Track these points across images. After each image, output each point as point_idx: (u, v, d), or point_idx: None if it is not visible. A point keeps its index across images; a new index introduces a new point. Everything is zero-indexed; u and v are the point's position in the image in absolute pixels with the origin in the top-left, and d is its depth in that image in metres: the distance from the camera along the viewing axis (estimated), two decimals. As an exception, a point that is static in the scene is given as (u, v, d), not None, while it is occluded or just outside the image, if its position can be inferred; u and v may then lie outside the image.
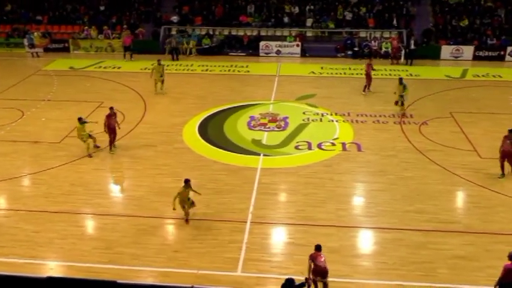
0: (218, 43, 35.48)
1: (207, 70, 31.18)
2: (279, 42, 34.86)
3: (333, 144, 20.25)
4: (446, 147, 19.84)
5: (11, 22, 37.17)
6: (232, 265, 13.12)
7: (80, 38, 35.78)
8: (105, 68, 31.49)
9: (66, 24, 37.06)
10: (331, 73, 30.61)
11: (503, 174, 17.40)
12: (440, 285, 12.46)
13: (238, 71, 31.00)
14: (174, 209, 14.69)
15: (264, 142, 20.58)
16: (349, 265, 13.14)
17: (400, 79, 23.09)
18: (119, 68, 31.50)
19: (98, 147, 19.57)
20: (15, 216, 15.40)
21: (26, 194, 16.92)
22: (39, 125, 22.25)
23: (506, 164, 17.30)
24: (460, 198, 16.91)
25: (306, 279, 11.43)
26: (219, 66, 31.91)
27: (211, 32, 36.09)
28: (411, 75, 29.97)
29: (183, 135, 21.16)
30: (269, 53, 34.80)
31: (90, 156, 19.06)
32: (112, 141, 19.52)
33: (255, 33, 36.28)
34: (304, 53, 34.66)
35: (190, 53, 34.57)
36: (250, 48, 35.25)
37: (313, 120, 22.76)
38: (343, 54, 34.56)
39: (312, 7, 36.93)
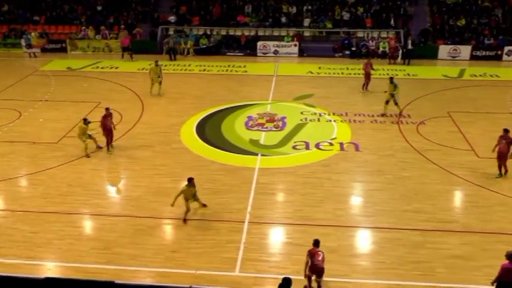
0: (216, 43, 35.48)
1: (204, 70, 31.17)
2: (276, 42, 34.89)
3: (331, 144, 20.26)
4: (444, 146, 19.87)
5: (8, 22, 37.10)
6: (230, 265, 13.11)
7: (78, 38, 35.73)
8: (102, 68, 31.46)
9: (63, 24, 37.00)
10: (329, 73, 30.63)
11: (500, 174, 17.43)
12: (438, 284, 12.47)
13: (236, 71, 31.00)
14: (172, 205, 14.70)
15: (261, 142, 20.57)
16: (347, 265, 13.15)
17: (391, 78, 23.10)
18: (116, 68, 31.47)
19: (100, 147, 19.54)
20: (13, 216, 15.37)
21: (23, 195, 16.89)
22: (37, 125, 22.21)
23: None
24: (457, 198, 16.93)
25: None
26: (216, 66, 31.91)
27: (208, 32, 36.09)
28: (409, 75, 30.03)
29: (181, 135, 21.15)
30: (267, 53, 34.82)
31: (88, 156, 19.03)
32: (109, 142, 19.50)
33: (252, 33, 36.28)
34: (301, 53, 34.70)
35: (188, 53, 34.57)
36: (248, 48, 35.25)
37: (311, 120, 22.77)
38: (340, 54, 34.60)
39: (309, 7, 36.93)
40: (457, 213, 15.78)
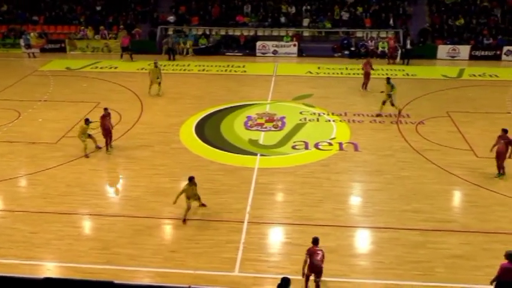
0: (215, 43, 35.47)
1: (203, 70, 31.17)
2: (275, 42, 34.89)
3: (330, 144, 20.27)
4: (443, 146, 19.88)
5: (7, 22, 37.08)
6: (230, 265, 13.11)
7: (77, 38, 35.72)
8: (101, 68, 31.44)
9: (62, 24, 36.99)
10: (328, 73, 30.63)
11: (499, 174, 17.43)
12: (438, 284, 12.48)
13: (235, 71, 31.00)
14: (174, 202, 14.75)
15: (261, 142, 20.58)
16: (346, 265, 13.15)
17: (388, 79, 23.04)
18: (115, 68, 31.46)
19: (100, 147, 19.54)
20: (12, 217, 15.36)
21: (22, 195, 16.89)
22: (36, 125, 22.20)
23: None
24: (456, 198, 16.94)
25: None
26: (215, 66, 31.91)
27: (207, 32, 36.08)
28: (408, 74, 30.05)
29: (180, 135, 21.14)
30: (266, 53, 34.82)
31: (87, 156, 19.03)
32: (108, 142, 19.49)
33: (251, 33, 36.29)
34: (301, 53, 34.70)
35: (187, 53, 34.56)
36: (247, 48, 35.25)
37: (310, 120, 22.77)
38: (340, 54, 34.60)
39: (308, 7, 36.93)
40: (456, 213, 15.79)
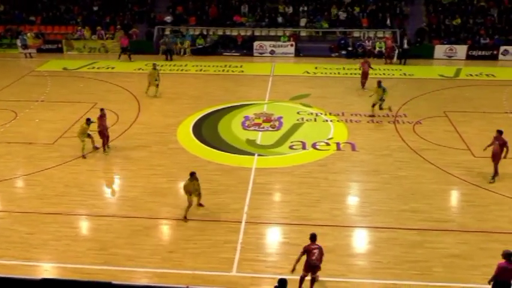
0: (212, 43, 35.46)
1: (201, 70, 31.15)
2: (273, 42, 34.89)
3: (328, 144, 20.28)
4: (441, 146, 19.91)
5: (4, 23, 36.97)
6: (227, 265, 13.11)
7: (74, 38, 35.67)
8: (98, 68, 31.40)
9: (59, 24, 36.93)
10: (325, 73, 30.65)
11: (497, 174, 17.41)
12: (436, 283, 12.50)
13: (233, 71, 30.99)
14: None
15: (258, 142, 20.57)
16: (344, 264, 13.16)
17: (379, 82, 22.88)
18: (112, 68, 31.42)
19: (97, 148, 19.51)
20: (10, 217, 15.32)
21: (20, 196, 16.85)
22: (33, 126, 22.15)
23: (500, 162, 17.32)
24: (454, 197, 16.96)
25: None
26: (213, 66, 31.90)
27: (205, 32, 36.07)
28: (405, 74, 30.09)
29: (178, 135, 21.13)
30: (263, 53, 34.81)
31: (84, 157, 19.00)
32: (105, 143, 19.47)
33: (249, 33, 36.30)
34: (298, 53, 34.72)
35: (185, 53, 34.53)
36: (244, 48, 35.25)
37: (307, 120, 22.78)
38: (337, 54, 34.63)
39: (305, 8, 36.91)
40: (454, 213, 15.81)
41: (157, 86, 25.67)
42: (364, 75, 26.77)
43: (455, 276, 12.72)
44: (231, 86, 27.85)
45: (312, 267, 11.80)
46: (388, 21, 35.56)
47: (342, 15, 36.41)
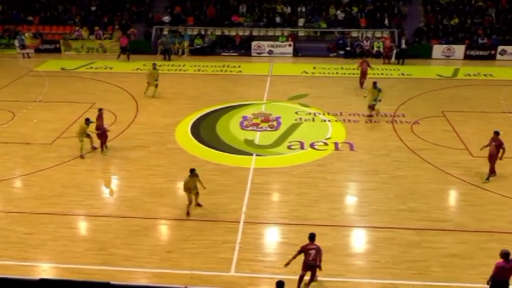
0: (210, 43, 35.44)
1: (199, 70, 31.14)
2: (271, 42, 34.88)
3: (326, 144, 20.28)
4: (439, 146, 19.92)
5: (2, 23, 36.88)
6: (226, 265, 13.11)
7: (71, 38, 35.60)
8: (96, 68, 31.36)
9: (57, 24, 36.85)
10: (324, 73, 30.66)
11: (494, 174, 17.41)
12: (434, 283, 12.51)
13: (231, 71, 30.98)
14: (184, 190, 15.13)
15: (256, 142, 20.57)
16: (342, 264, 13.17)
17: (374, 83, 22.81)
18: (110, 68, 31.38)
19: (95, 148, 19.50)
20: (7, 218, 15.30)
21: (17, 196, 16.83)
22: (31, 126, 22.12)
23: (497, 163, 17.33)
24: (452, 197, 16.99)
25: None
26: (211, 66, 31.88)
27: (203, 32, 36.05)
28: (403, 74, 30.12)
29: (176, 135, 21.12)
30: (261, 53, 34.81)
31: (82, 157, 18.98)
32: (103, 143, 19.45)
33: (247, 33, 36.27)
34: (296, 53, 34.71)
35: (183, 53, 34.50)
36: (243, 48, 35.23)
37: (305, 120, 22.79)
38: (335, 54, 34.62)
39: (303, 8, 36.88)
40: (452, 212, 15.83)
41: (156, 86, 25.64)
42: (363, 75, 26.79)
43: (454, 275, 12.73)
44: (229, 86, 27.84)
45: (310, 267, 11.82)
46: (386, 21, 35.57)
47: (340, 15, 36.40)
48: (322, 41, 35.86)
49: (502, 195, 16.41)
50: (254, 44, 34.86)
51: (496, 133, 17.26)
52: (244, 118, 22.89)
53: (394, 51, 32.71)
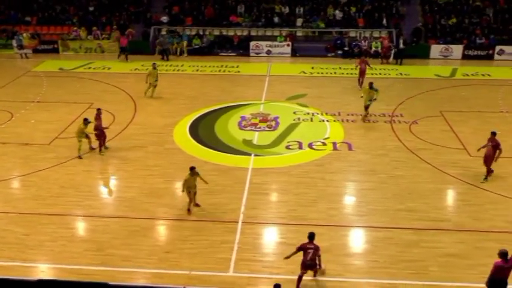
0: (208, 43, 35.43)
1: (197, 70, 31.13)
2: (269, 42, 34.89)
3: (324, 144, 20.29)
4: (437, 145, 19.95)
5: (0, 23, 36.85)
6: (224, 265, 13.10)
7: (69, 38, 35.57)
8: (94, 69, 31.33)
9: (55, 25, 36.81)
10: (322, 73, 30.67)
11: (485, 178, 17.34)
12: (432, 283, 12.52)
13: (229, 71, 30.98)
14: (182, 191, 15.12)
15: (255, 142, 20.58)
16: (340, 264, 13.17)
17: (370, 84, 22.66)
18: (108, 69, 31.35)
19: (93, 148, 19.48)
20: (5, 218, 15.27)
21: (15, 196, 16.81)
22: (29, 126, 22.10)
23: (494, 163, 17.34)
24: (450, 197, 17.00)
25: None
26: (209, 66, 31.88)
27: (201, 32, 36.04)
28: (401, 74, 30.14)
29: (174, 135, 21.11)
30: (259, 53, 34.81)
31: (80, 157, 18.96)
32: (101, 143, 19.43)
33: (245, 33, 36.27)
34: (294, 53, 34.73)
35: (181, 53, 34.48)
36: (241, 48, 35.23)
37: (304, 120, 22.79)
38: (333, 54, 34.63)
39: (301, 9, 36.86)
40: (450, 212, 15.84)
41: (155, 86, 25.61)
42: (361, 74, 26.81)
43: (452, 275, 12.74)
44: (228, 86, 27.84)
45: (308, 266, 11.84)
46: (384, 21, 35.60)
47: (338, 15, 36.42)
48: (320, 41, 35.87)
49: (500, 195, 16.43)
50: (252, 44, 34.87)
51: (493, 133, 17.28)
52: (243, 118, 22.89)
53: (392, 51, 32.74)
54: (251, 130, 21.66)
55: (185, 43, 34.68)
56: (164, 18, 36.61)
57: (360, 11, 36.65)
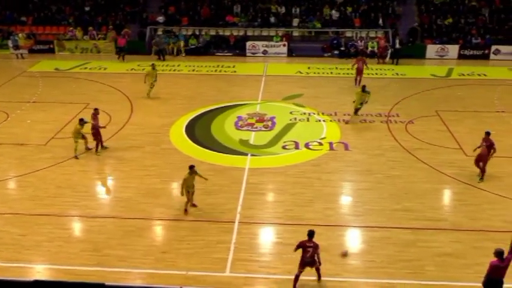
0: (204, 43, 35.41)
1: (193, 70, 31.10)
2: (265, 42, 34.87)
3: (320, 144, 20.30)
4: (433, 145, 19.98)
5: (-5, 23, 36.81)
6: (221, 265, 13.10)
7: (65, 39, 35.47)
8: (90, 69, 31.25)
9: (51, 25, 36.69)
10: (318, 73, 30.68)
11: (481, 178, 17.32)
12: (429, 282, 12.54)
13: (225, 71, 30.97)
14: (182, 194, 15.08)
15: (251, 142, 20.57)
16: (337, 264, 13.16)
17: (363, 87, 22.71)
18: (104, 69, 31.29)
19: (89, 149, 19.44)
20: (1, 219, 15.22)
21: (12, 197, 16.76)
22: (25, 127, 22.03)
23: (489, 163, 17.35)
24: (446, 196, 17.03)
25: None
26: (205, 66, 31.85)
27: (197, 32, 36.01)
28: (397, 74, 30.18)
29: (170, 136, 21.08)
30: (256, 53, 34.80)
31: (76, 158, 18.92)
32: (99, 143, 19.39)
33: (241, 33, 36.25)
34: (290, 53, 34.72)
35: (178, 53, 34.44)
36: (237, 48, 35.22)
37: (300, 120, 22.80)
38: (329, 53, 34.65)
39: (297, 9, 36.86)
40: (446, 212, 15.87)
41: (152, 86, 25.55)
42: (359, 72, 26.84)
43: (448, 274, 12.77)
44: (224, 86, 27.82)
45: (307, 264, 11.86)
46: (381, 21, 35.64)
47: (335, 15, 36.45)
48: (317, 41, 35.88)
49: (496, 195, 16.47)
50: (248, 44, 34.85)
51: (487, 133, 17.33)
52: (239, 118, 22.88)
53: (389, 51, 32.79)
54: (248, 130, 21.65)
55: (182, 43, 34.64)
56: (160, 18, 36.56)
57: (356, 11, 36.69)
